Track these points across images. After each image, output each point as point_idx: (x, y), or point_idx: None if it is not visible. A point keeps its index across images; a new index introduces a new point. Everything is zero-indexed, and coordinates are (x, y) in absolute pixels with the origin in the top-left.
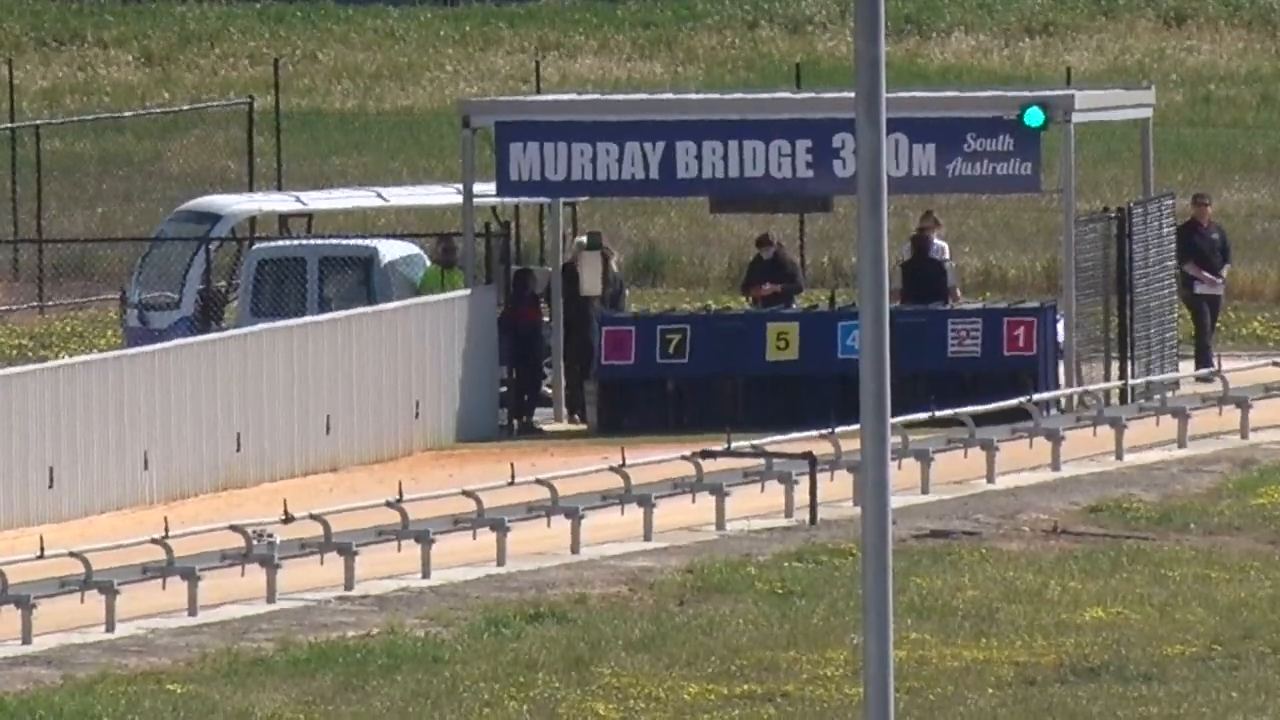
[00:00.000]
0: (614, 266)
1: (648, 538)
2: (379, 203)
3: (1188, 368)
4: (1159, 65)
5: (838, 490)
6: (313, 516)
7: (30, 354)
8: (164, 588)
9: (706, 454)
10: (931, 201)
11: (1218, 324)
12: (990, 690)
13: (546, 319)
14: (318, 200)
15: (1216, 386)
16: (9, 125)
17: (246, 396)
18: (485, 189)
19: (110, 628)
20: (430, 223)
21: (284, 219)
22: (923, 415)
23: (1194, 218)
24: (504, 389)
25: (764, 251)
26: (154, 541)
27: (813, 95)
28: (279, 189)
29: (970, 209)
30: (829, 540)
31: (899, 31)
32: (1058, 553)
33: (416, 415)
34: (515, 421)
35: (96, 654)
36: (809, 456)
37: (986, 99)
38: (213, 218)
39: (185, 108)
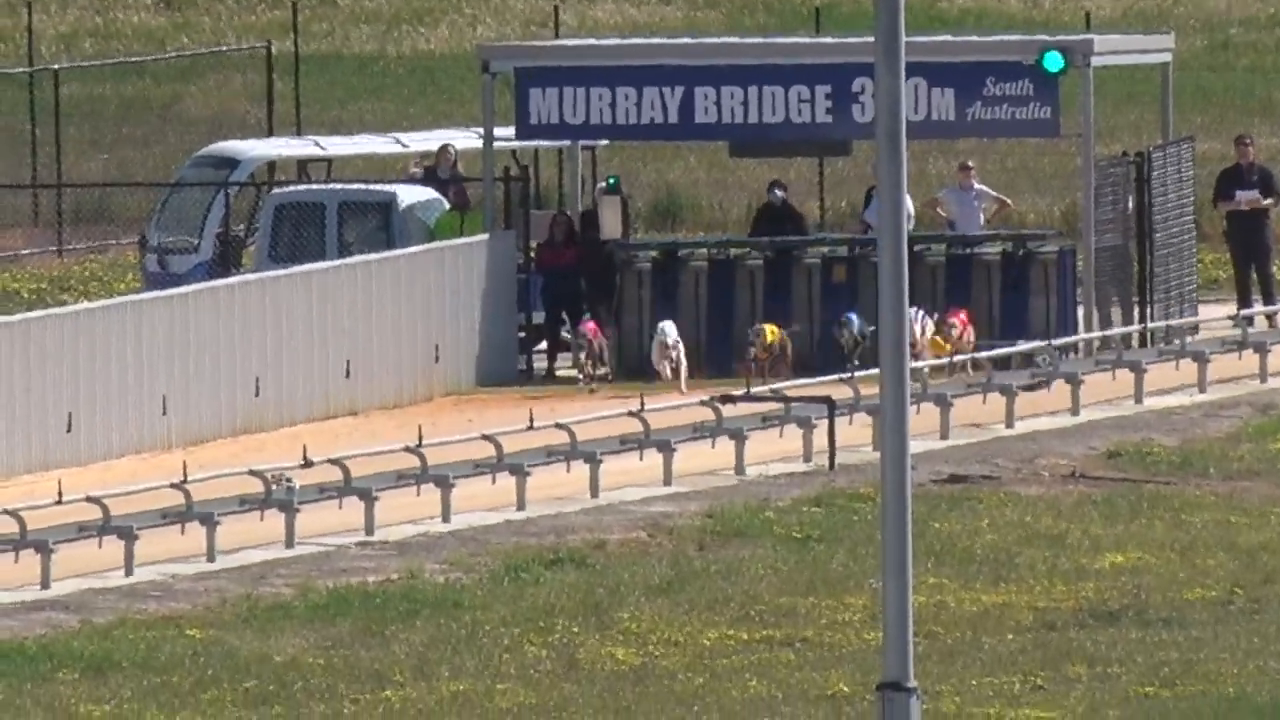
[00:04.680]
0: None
1: (667, 483)
2: (398, 148)
3: (1208, 312)
4: (1178, 10)
5: (856, 435)
6: (332, 461)
7: (49, 298)
8: (183, 533)
9: (726, 399)
10: (950, 146)
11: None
12: (1009, 635)
13: None
14: (336, 145)
15: None
16: (28, 69)
17: (266, 341)
18: (505, 133)
19: (129, 573)
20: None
21: (303, 164)
22: (941, 360)
23: (1236, 160)
24: (522, 334)
25: (773, 197)
26: (173, 486)
27: (832, 40)
28: (298, 134)
29: (989, 153)
30: (848, 485)
31: None
32: (1077, 497)
33: (436, 360)
34: (551, 363)
35: (115, 599)
36: (828, 401)
37: (1006, 43)
38: (232, 162)
39: (204, 51)
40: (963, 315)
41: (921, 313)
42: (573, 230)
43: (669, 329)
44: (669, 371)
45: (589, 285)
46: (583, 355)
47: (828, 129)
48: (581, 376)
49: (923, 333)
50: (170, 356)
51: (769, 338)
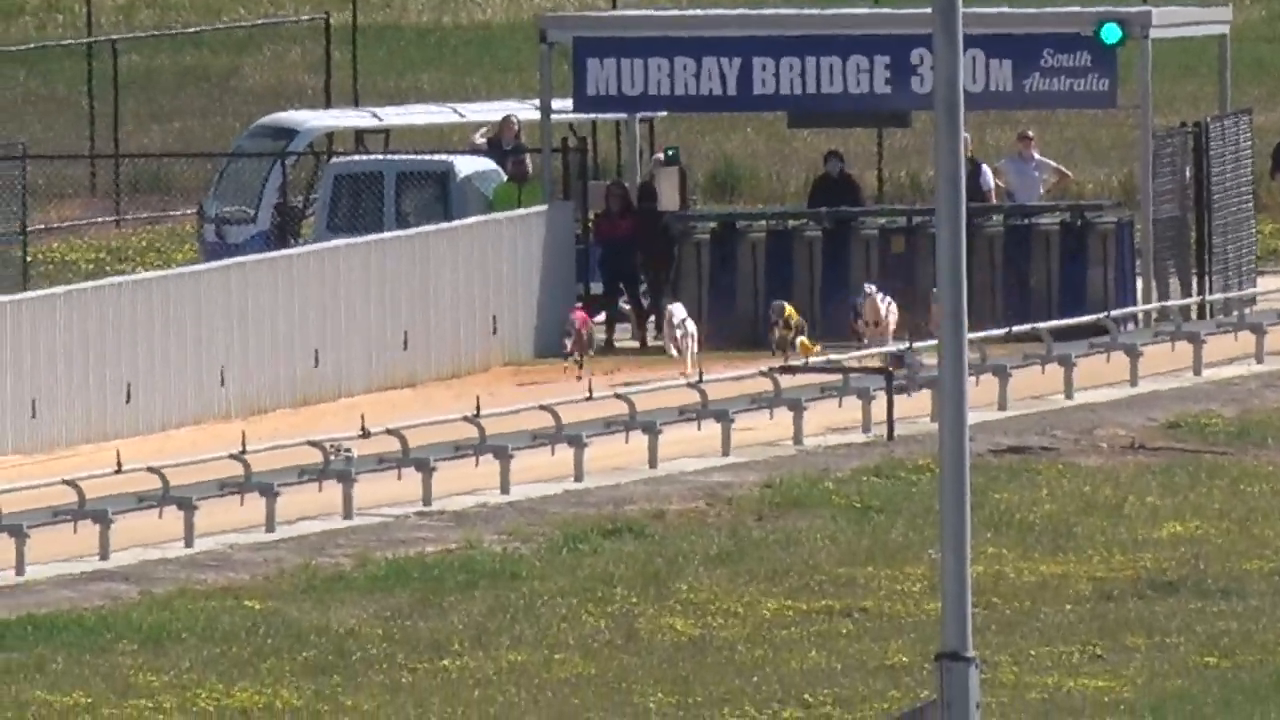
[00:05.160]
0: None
1: (725, 453)
2: (456, 118)
3: (1266, 284)
4: None
5: (916, 406)
6: (390, 432)
7: (107, 269)
8: (242, 503)
9: (785, 369)
10: (1008, 117)
11: None
12: (1067, 605)
13: None
14: (394, 116)
15: None
16: (86, 40)
17: (324, 312)
18: (563, 104)
19: (188, 543)
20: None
21: (360, 134)
22: (1000, 331)
23: None
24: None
25: (830, 168)
26: (232, 457)
27: (891, 11)
28: (355, 104)
29: (1047, 124)
30: (906, 456)
31: None
32: (1135, 468)
33: (494, 330)
34: (610, 334)
35: (174, 570)
36: (886, 372)
37: (1064, 15)
38: (290, 133)
39: (261, 22)
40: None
41: (886, 296)
42: (629, 201)
43: (677, 310)
44: (674, 349)
45: (646, 256)
46: (569, 342)
47: (886, 100)
48: (570, 363)
49: (887, 314)
50: (229, 327)
51: (789, 314)
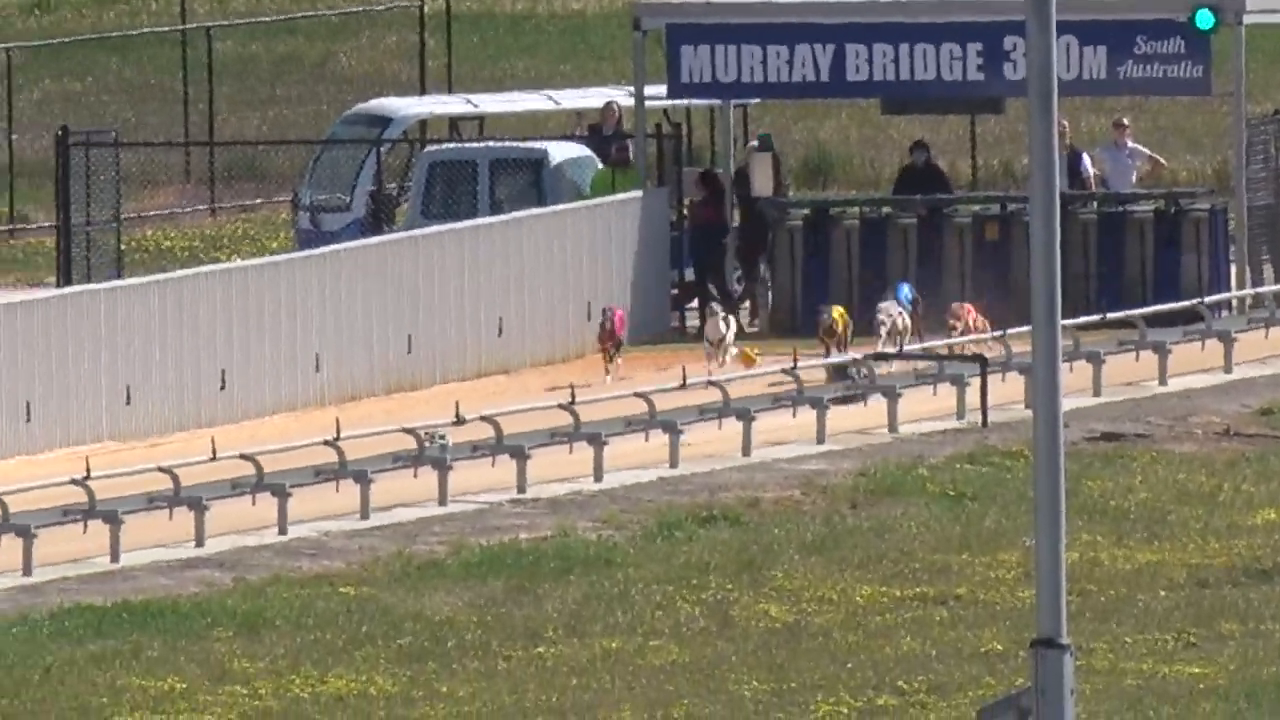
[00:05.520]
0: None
1: (820, 440)
2: (550, 105)
3: None
4: None
5: (1009, 392)
6: (484, 418)
7: (202, 256)
8: (336, 490)
9: (879, 356)
10: (1102, 104)
11: None
12: (1162, 592)
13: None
14: (489, 103)
15: None
16: (180, 27)
17: (418, 298)
18: (656, 91)
19: (282, 530)
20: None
21: (455, 122)
22: (1094, 317)
23: None
24: (675, 290)
25: (916, 158)
26: (326, 444)
27: None
28: (449, 92)
29: (1141, 111)
30: (1000, 442)
31: None
32: (1230, 455)
33: (588, 317)
34: (702, 320)
35: (269, 556)
36: (980, 359)
37: (1157, 1)
38: (384, 120)
39: (356, 9)
40: (969, 308)
41: (900, 307)
42: (722, 188)
43: (717, 309)
44: (712, 351)
45: (741, 243)
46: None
47: (979, 86)
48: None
49: (903, 324)
50: (323, 314)
51: (837, 316)
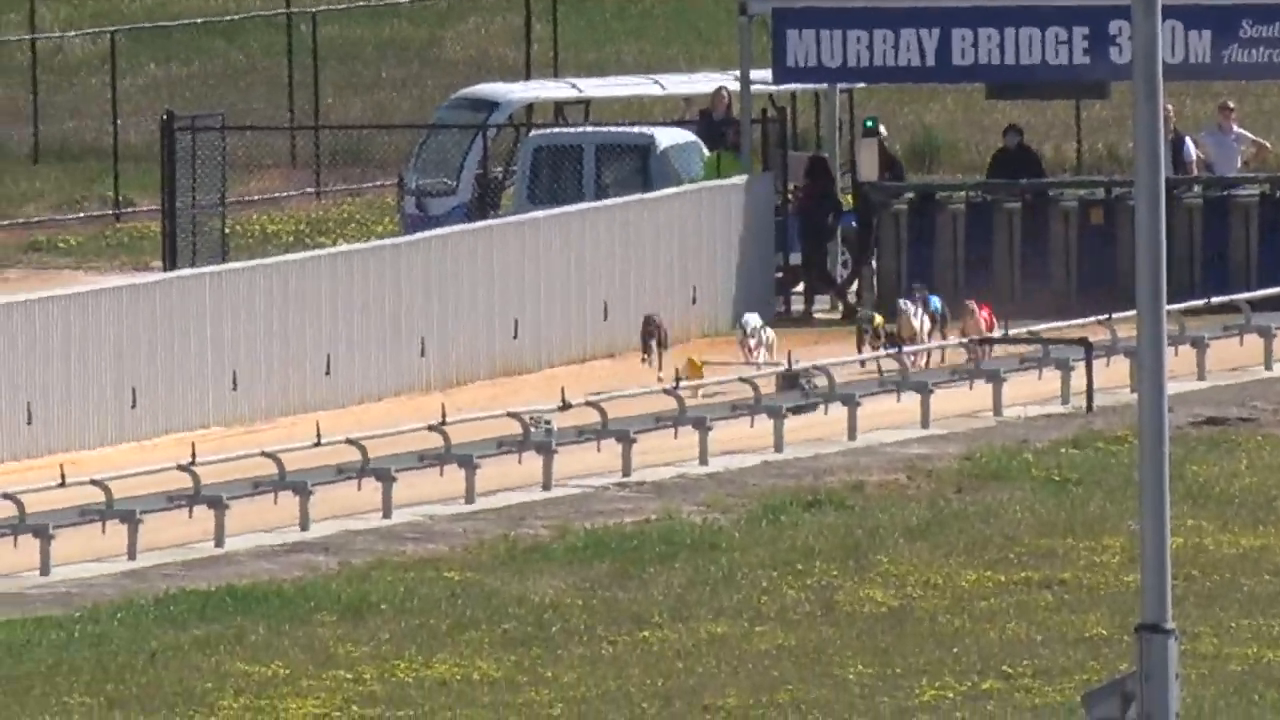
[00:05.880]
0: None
1: (924, 425)
2: (657, 90)
3: None
4: None
5: (1114, 377)
6: (589, 403)
7: (307, 240)
8: (441, 474)
9: (984, 341)
10: (1206, 88)
11: None
12: (1267, 577)
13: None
14: (594, 88)
15: None
16: (285, 11)
17: (524, 283)
18: (761, 76)
19: (387, 515)
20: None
21: (560, 106)
22: (1198, 302)
23: None
24: (779, 274)
25: (1009, 141)
26: (431, 428)
27: None
28: (555, 76)
29: (1245, 95)
30: (1105, 427)
31: None
32: None
33: (693, 301)
34: (808, 305)
35: (373, 540)
36: (1085, 343)
37: None
38: (490, 105)
39: None
40: (984, 310)
41: (920, 309)
42: (829, 172)
43: (751, 319)
44: (747, 354)
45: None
46: (652, 341)
47: (1085, 70)
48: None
49: (921, 326)
50: (428, 298)
51: (878, 325)
